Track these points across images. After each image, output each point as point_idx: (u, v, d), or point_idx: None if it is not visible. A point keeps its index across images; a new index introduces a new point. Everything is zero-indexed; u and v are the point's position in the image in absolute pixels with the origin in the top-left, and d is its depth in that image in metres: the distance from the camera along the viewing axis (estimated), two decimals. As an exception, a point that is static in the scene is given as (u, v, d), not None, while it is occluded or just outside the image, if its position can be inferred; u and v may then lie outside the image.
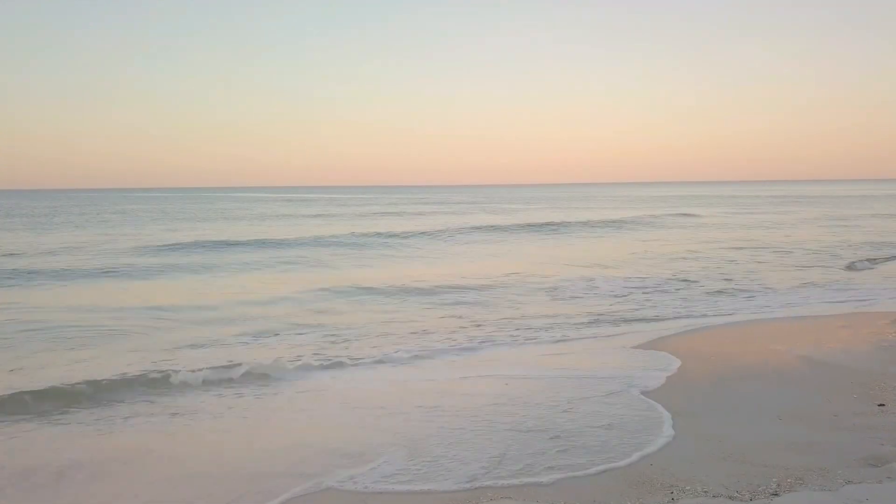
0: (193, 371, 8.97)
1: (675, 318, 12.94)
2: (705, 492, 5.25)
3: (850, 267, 20.44)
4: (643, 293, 15.88)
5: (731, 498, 5.13)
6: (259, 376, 8.97)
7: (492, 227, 39.83)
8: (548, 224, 41.37)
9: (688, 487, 5.35)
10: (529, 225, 40.86)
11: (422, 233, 35.71)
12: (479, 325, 12.39)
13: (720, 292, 15.95)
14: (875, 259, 22.44)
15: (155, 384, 8.62)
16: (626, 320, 12.76)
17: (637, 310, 13.84)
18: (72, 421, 7.41)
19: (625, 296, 15.57)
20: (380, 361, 9.88)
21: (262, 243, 29.69)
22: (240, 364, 9.30)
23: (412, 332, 11.84)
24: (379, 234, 34.08)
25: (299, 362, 9.67)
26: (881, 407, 7.21)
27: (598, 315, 13.21)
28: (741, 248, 26.20)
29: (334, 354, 10.19)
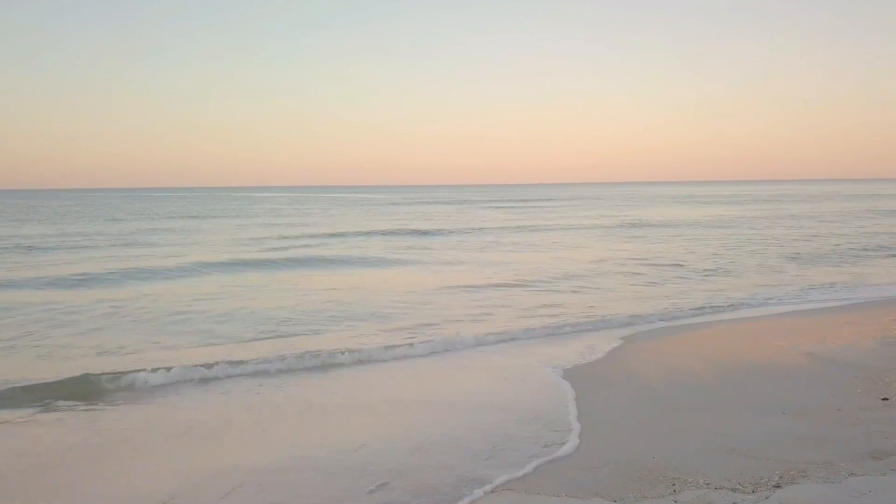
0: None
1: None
2: (707, 484, 5.23)
3: None
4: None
5: (733, 490, 5.10)
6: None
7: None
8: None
9: (690, 480, 5.32)
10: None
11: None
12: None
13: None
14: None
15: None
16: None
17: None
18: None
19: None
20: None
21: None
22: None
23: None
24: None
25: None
26: (885, 401, 7.19)
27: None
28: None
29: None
